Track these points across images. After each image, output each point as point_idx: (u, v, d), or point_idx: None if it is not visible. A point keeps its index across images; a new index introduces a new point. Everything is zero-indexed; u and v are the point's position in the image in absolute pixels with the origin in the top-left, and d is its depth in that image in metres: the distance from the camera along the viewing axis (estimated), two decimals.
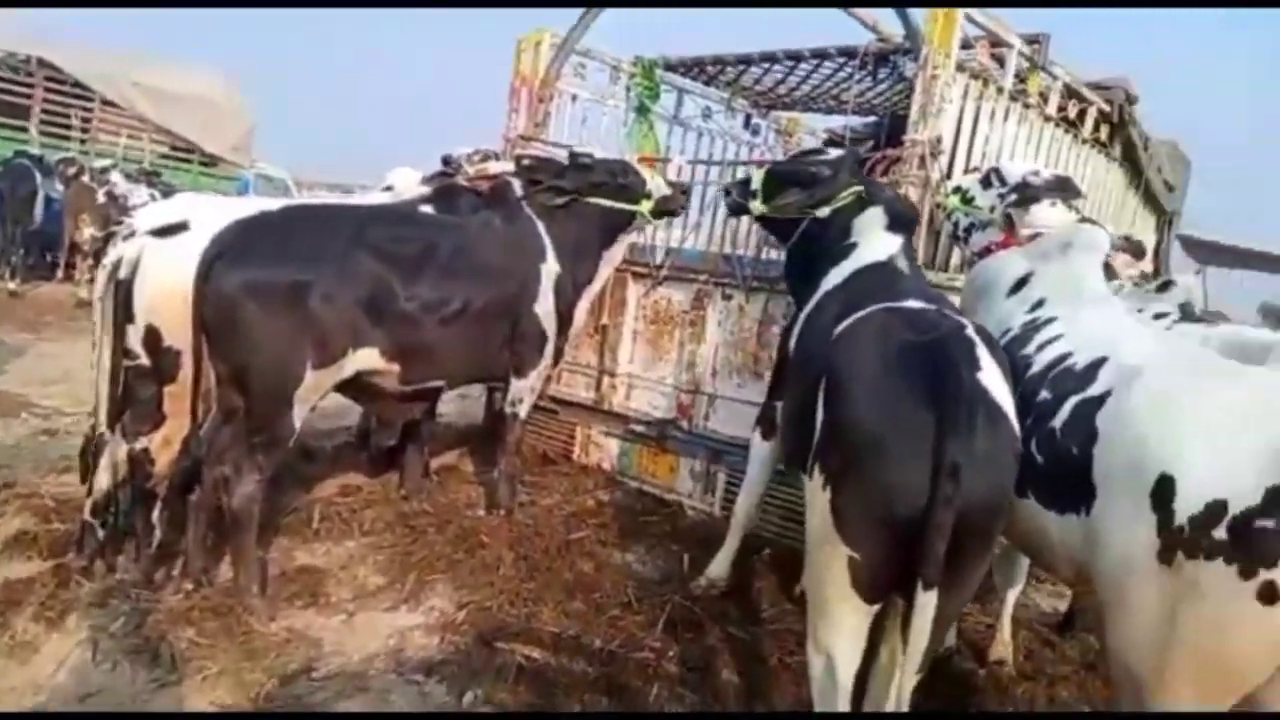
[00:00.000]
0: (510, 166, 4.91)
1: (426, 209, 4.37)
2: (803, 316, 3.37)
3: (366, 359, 3.76)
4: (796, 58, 6.11)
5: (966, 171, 4.21)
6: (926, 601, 2.07)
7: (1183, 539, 2.02)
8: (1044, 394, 2.59)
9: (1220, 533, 1.97)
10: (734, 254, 4.98)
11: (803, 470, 2.60)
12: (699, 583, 3.99)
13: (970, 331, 2.44)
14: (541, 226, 4.49)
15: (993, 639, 3.70)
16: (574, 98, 6.30)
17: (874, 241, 3.35)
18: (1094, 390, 2.45)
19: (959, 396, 2.13)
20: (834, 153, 3.79)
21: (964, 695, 3.45)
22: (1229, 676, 2.00)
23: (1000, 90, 4.65)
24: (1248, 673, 1.99)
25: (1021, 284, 3.34)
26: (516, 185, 4.58)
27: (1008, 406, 2.31)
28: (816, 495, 2.35)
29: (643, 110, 6.79)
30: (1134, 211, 6.73)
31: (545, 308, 4.44)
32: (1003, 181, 3.69)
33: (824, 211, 3.53)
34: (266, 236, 3.53)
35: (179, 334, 3.49)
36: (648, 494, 5.01)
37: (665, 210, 4.72)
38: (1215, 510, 1.98)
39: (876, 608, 2.32)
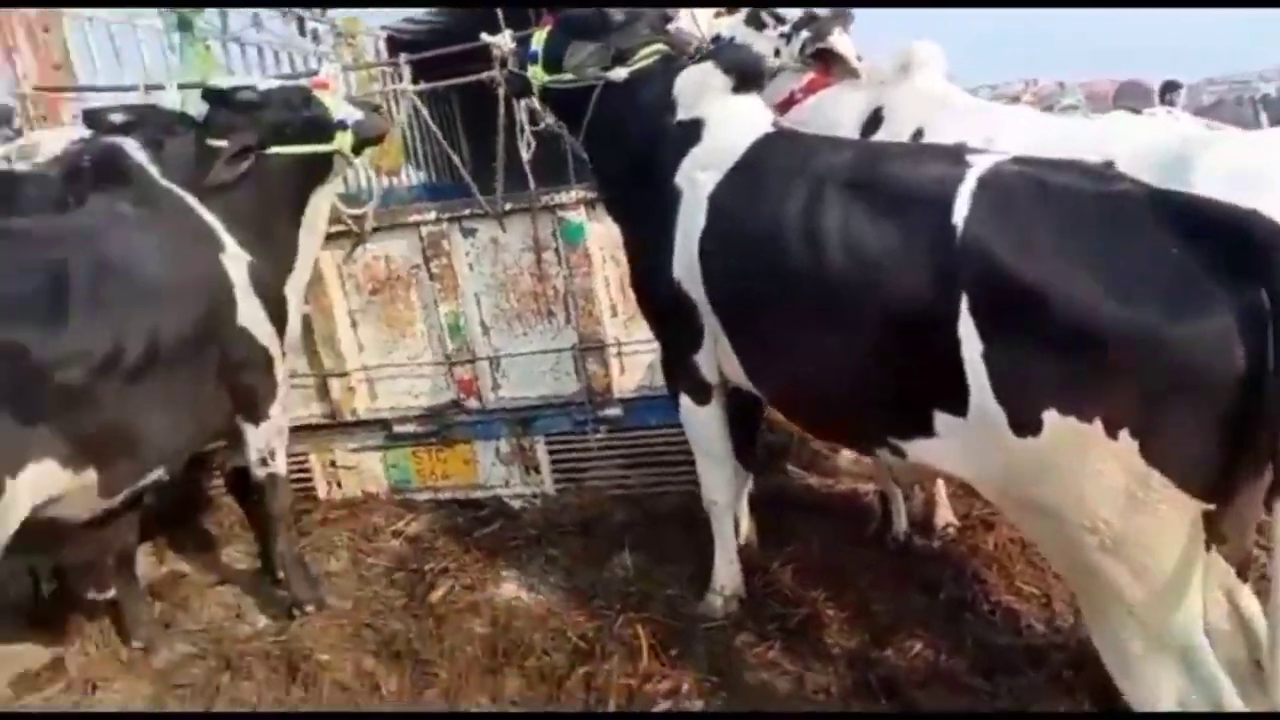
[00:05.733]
0: (78, 132, 3.29)
1: None
2: (707, 230, 2.46)
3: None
4: None
5: (718, 16, 3.65)
6: None
7: None
8: None
9: None
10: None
11: (1021, 431, 1.74)
12: (711, 602, 2.90)
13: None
14: (195, 200, 3.04)
15: None
16: (90, 20, 4.45)
17: (728, 111, 2.59)
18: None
19: None
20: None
21: None
22: None
23: None
24: None
25: (876, 122, 3.06)
26: (131, 147, 3.02)
27: None
28: (1098, 458, 1.67)
29: (186, 26, 5.06)
30: None
31: (253, 315, 3.07)
32: (779, 20, 3.28)
33: (620, 73, 2.72)
34: None
35: None
36: (451, 504, 3.91)
37: (367, 140, 3.45)
38: None
39: None
